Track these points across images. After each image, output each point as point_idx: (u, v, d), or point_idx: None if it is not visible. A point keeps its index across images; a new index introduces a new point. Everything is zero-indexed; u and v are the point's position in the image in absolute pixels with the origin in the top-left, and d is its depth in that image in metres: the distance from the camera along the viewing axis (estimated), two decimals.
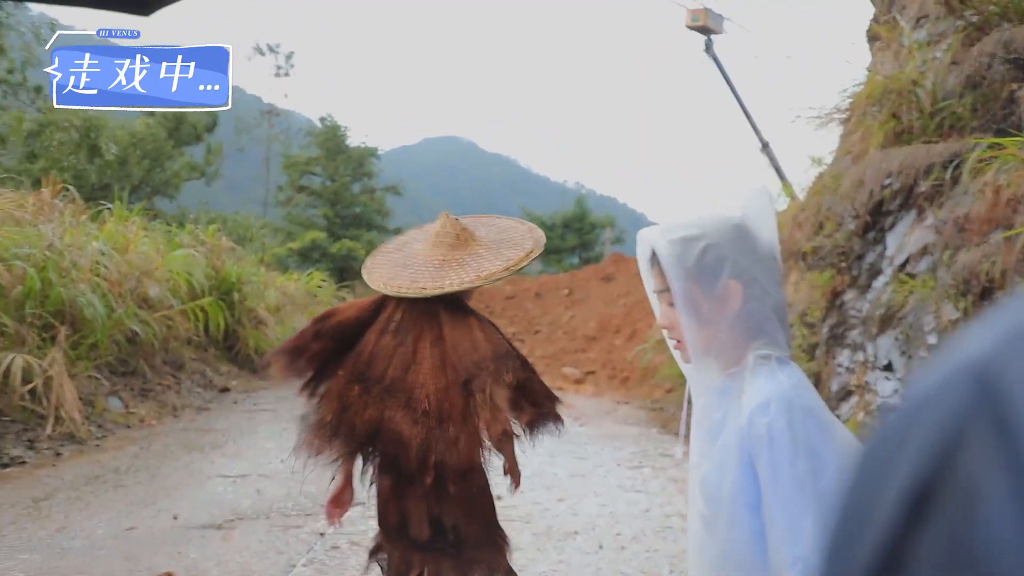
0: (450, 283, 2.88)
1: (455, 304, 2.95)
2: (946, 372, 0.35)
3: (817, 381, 8.14)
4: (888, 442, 0.37)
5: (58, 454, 7.53)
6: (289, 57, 30.25)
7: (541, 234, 3.16)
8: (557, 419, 3.05)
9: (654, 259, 1.76)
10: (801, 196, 12.96)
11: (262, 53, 29.85)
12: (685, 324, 1.67)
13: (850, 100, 8.04)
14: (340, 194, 33.10)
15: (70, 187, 11.63)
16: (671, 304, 1.71)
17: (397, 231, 33.88)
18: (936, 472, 0.33)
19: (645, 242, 1.78)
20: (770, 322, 1.69)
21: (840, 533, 0.37)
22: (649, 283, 1.81)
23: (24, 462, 7.15)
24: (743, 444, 1.57)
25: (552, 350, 19.19)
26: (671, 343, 1.82)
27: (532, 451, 8.63)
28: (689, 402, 1.87)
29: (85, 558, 4.90)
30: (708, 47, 19.97)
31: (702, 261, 1.66)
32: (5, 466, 6.98)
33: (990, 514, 0.30)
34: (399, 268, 3.01)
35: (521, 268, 2.97)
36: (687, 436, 1.95)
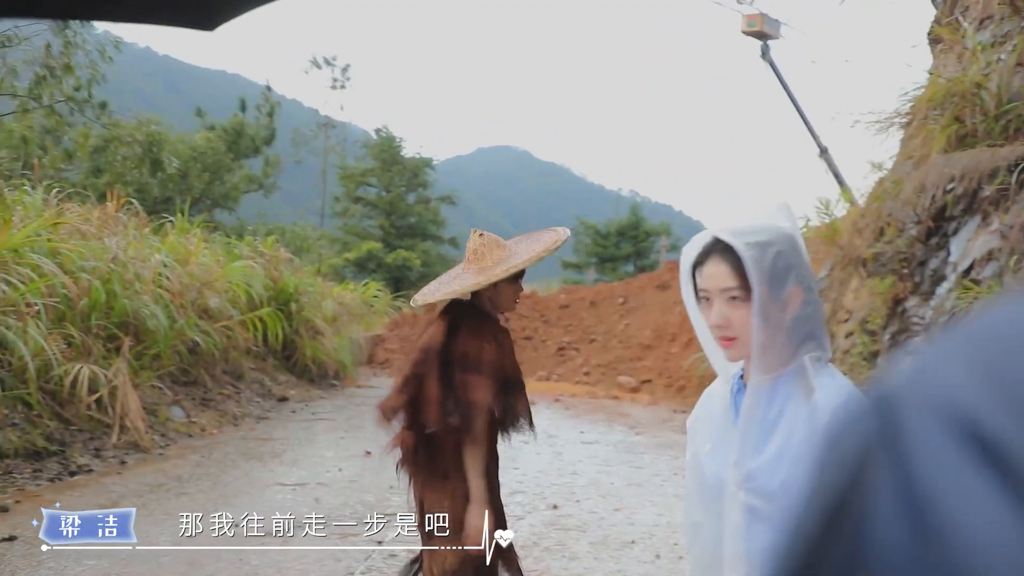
0: (423, 295, 3.30)
1: (473, 311, 3.24)
2: (870, 399, 0.42)
3: None
4: (822, 461, 0.43)
5: (123, 462, 7.70)
6: (345, 69, 30.68)
7: (551, 242, 3.29)
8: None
9: (722, 259, 1.80)
10: (860, 202, 12.74)
11: (319, 66, 30.31)
12: (755, 324, 1.73)
13: (911, 104, 7.88)
14: (395, 204, 33.43)
15: (133, 201, 11.93)
16: (731, 300, 1.77)
17: (452, 241, 34.14)
18: (848, 489, 0.39)
19: (710, 242, 1.84)
20: (820, 327, 1.81)
21: (785, 541, 0.42)
22: (717, 281, 1.80)
23: (91, 470, 7.33)
24: (815, 438, 1.64)
25: (607, 359, 19.10)
26: (711, 341, 1.87)
27: (589, 460, 8.65)
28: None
29: (149, 564, 5.00)
30: (764, 52, 19.78)
31: (775, 266, 1.74)
32: (73, 474, 7.16)
33: (879, 526, 0.36)
34: (432, 283, 3.43)
35: (502, 278, 3.12)
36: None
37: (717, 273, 1.80)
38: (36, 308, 7.71)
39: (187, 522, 5.91)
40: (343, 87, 30.17)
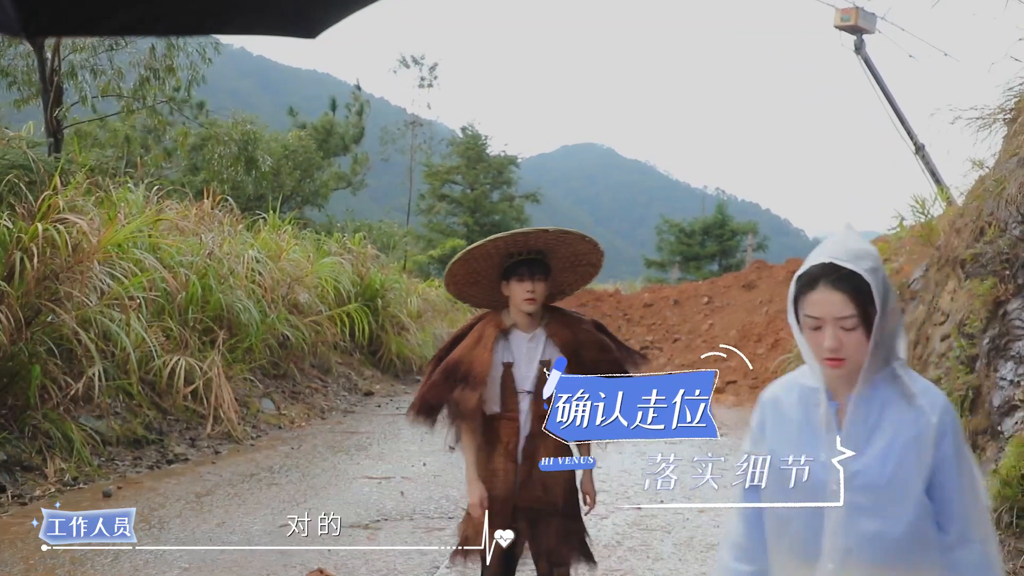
0: None
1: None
2: None
3: (977, 394, 7.71)
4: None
5: (217, 452, 7.95)
6: (433, 68, 30.96)
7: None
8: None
9: (845, 285, 1.97)
10: (958, 201, 12.31)
11: (407, 65, 30.66)
12: (871, 348, 1.97)
13: (1016, 99, 7.58)
14: (480, 202, 33.64)
15: (229, 198, 12.28)
16: (849, 330, 1.97)
17: None
18: None
19: (840, 266, 1.99)
20: (902, 335, 2.07)
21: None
22: (832, 308, 1.97)
23: (187, 459, 7.59)
24: (925, 439, 1.97)
25: (691, 358, 18.89)
26: (817, 359, 2.04)
27: (673, 459, 8.40)
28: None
29: (243, 553, 5.15)
30: (859, 47, 19.30)
31: (886, 287, 1.99)
32: (171, 462, 7.43)
33: None
34: None
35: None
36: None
37: (832, 301, 1.97)
38: (138, 302, 8.01)
39: (278, 512, 6.09)
40: (430, 86, 30.44)
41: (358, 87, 28.57)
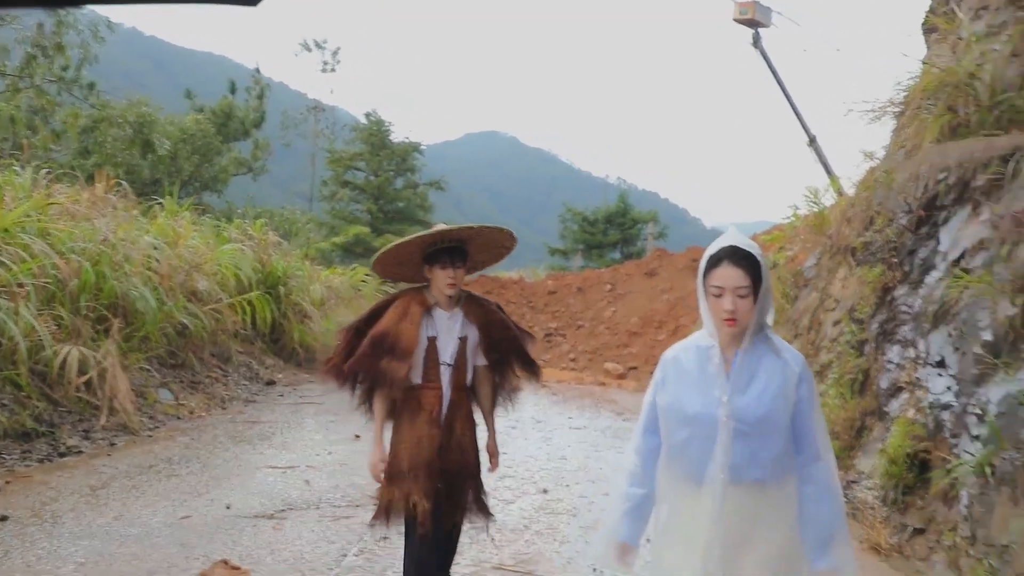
0: None
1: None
2: None
3: (866, 377, 8.04)
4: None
5: (112, 444, 7.69)
6: (335, 53, 30.48)
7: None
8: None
9: (743, 263, 2.63)
10: (849, 191, 12.77)
11: (309, 49, 30.10)
12: (756, 311, 2.65)
13: (905, 93, 7.91)
14: (383, 189, 33.29)
15: (123, 182, 11.85)
16: (742, 297, 2.61)
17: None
18: None
19: (740, 248, 2.66)
20: (771, 311, 2.79)
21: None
22: (732, 280, 2.62)
23: (81, 451, 7.31)
24: (789, 383, 2.64)
25: (594, 345, 19.16)
26: (716, 323, 2.68)
27: (577, 445, 8.72)
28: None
29: (142, 545, 5.00)
30: (756, 40, 19.81)
31: (767, 270, 2.70)
32: (63, 455, 7.14)
33: None
34: None
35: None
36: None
37: (733, 275, 2.62)
38: (26, 289, 7.67)
39: (179, 503, 5.94)
40: (333, 70, 29.98)
41: (258, 70, 27.92)
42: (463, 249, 3.75)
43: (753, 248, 2.66)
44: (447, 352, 3.71)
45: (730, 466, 2.61)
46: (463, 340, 3.75)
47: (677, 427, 2.71)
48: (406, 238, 3.74)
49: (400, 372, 3.61)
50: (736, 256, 2.63)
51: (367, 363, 3.64)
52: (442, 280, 3.68)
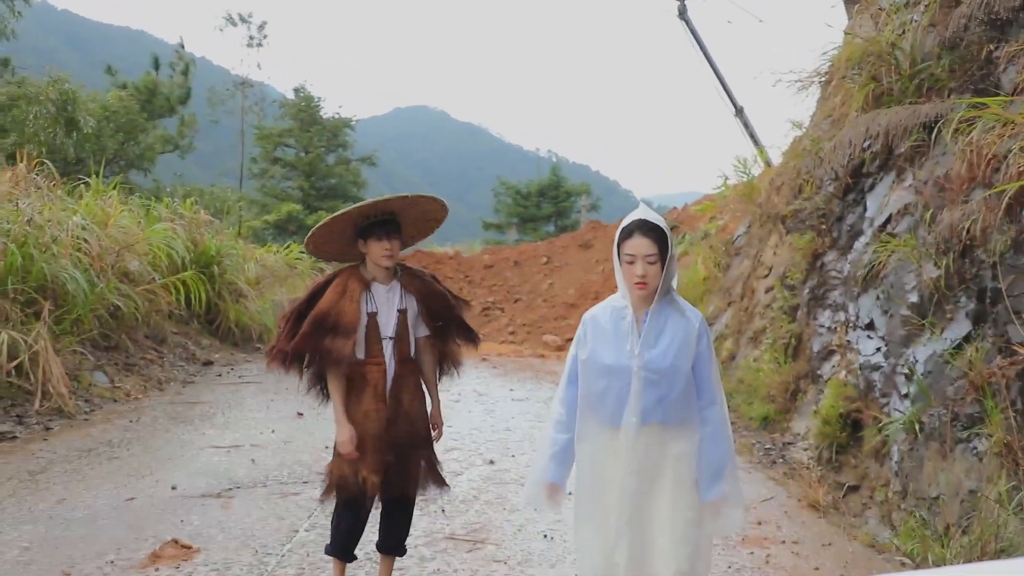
0: None
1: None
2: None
3: (798, 342, 8.29)
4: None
5: (48, 428, 7.54)
6: (262, 27, 29.86)
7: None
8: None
9: (651, 234, 3.00)
10: (777, 161, 13.05)
11: (234, 23, 29.43)
12: (664, 276, 3.02)
13: (829, 64, 8.11)
14: (315, 165, 32.90)
15: (46, 161, 11.51)
16: (651, 263, 2.98)
17: None
18: None
19: (648, 221, 3.03)
20: (676, 276, 3.17)
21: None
22: (642, 248, 2.99)
23: (15, 437, 7.15)
24: (691, 338, 3.04)
25: (532, 317, 19.31)
26: (628, 286, 3.04)
27: (521, 417, 8.85)
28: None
29: (89, 528, 4.95)
30: (682, 12, 19.98)
31: (672, 241, 3.06)
32: None
33: None
34: None
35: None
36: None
37: (643, 244, 2.99)
38: None
39: (122, 486, 5.87)
40: (260, 45, 29.37)
41: (181, 45, 27.22)
42: (396, 222, 3.80)
43: (660, 221, 3.05)
44: (388, 326, 3.76)
45: (641, 410, 3.01)
46: (403, 312, 3.80)
47: (595, 378, 3.09)
48: (340, 211, 3.75)
49: (345, 350, 3.64)
50: (645, 228, 3.02)
51: (310, 343, 3.66)
52: (378, 252, 3.73)
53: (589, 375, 3.10)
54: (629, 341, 3.03)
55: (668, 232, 3.06)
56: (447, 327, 3.96)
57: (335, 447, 3.75)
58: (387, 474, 3.72)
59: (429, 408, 3.95)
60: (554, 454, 3.19)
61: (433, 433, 3.95)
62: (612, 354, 3.04)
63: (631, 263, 3.00)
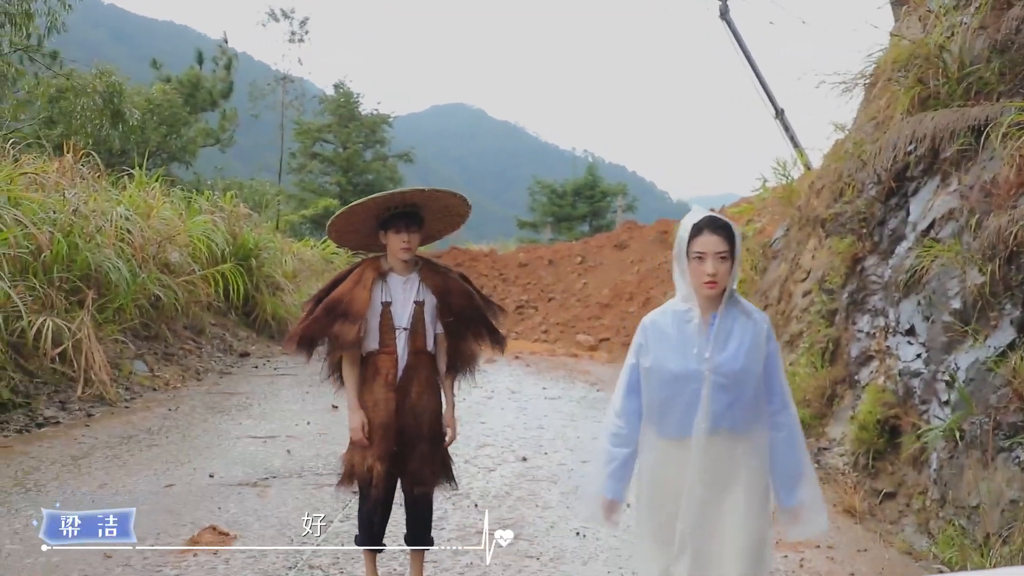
0: None
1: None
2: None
3: (836, 346, 8.20)
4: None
5: (89, 415, 7.67)
6: (304, 23, 30.09)
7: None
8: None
9: (721, 231, 2.90)
10: (817, 164, 12.91)
11: (276, 19, 29.69)
12: (734, 275, 2.91)
13: (875, 65, 8.02)
14: (352, 161, 33.10)
15: (92, 153, 11.70)
16: (722, 260, 2.87)
17: None
18: None
19: (718, 218, 2.95)
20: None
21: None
22: (714, 245, 2.88)
23: (58, 422, 7.29)
24: (761, 342, 2.94)
25: (566, 317, 19.28)
26: (696, 286, 2.91)
27: (554, 415, 8.83)
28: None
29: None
30: (724, 12, 19.81)
31: (740, 239, 2.96)
32: (40, 426, 7.12)
33: None
34: None
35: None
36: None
37: (714, 241, 2.88)
38: None
39: (162, 473, 5.96)
40: (301, 40, 29.60)
41: (225, 40, 27.53)
42: (418, 215, 3.83)
43: (728, 219, 2.97)
44: (403, 317, 3.80)
45: (711, 416, 2.88)
46: (419, 305, 3.83)
47: (660, 386, 2.95)
48: (358, 201, 3.80)
49: (349, 335, 3.70)
50: (715, 225, 2.92)
51: (320, 327, 3.76)
52: (396, 244, 3.78)
53: (652, 384, 2.97)
54: (697, 345, 2.91)
55: (736, 230, 2.96)
56: (463, 326, 3.96)
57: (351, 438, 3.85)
58: (394, 464, 3.78)
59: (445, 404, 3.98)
60: (613, 470, 3.06)
61: (445, 432, 3.96)
62: (679, 360, 2.91)
63: (701, 260, 2.89)
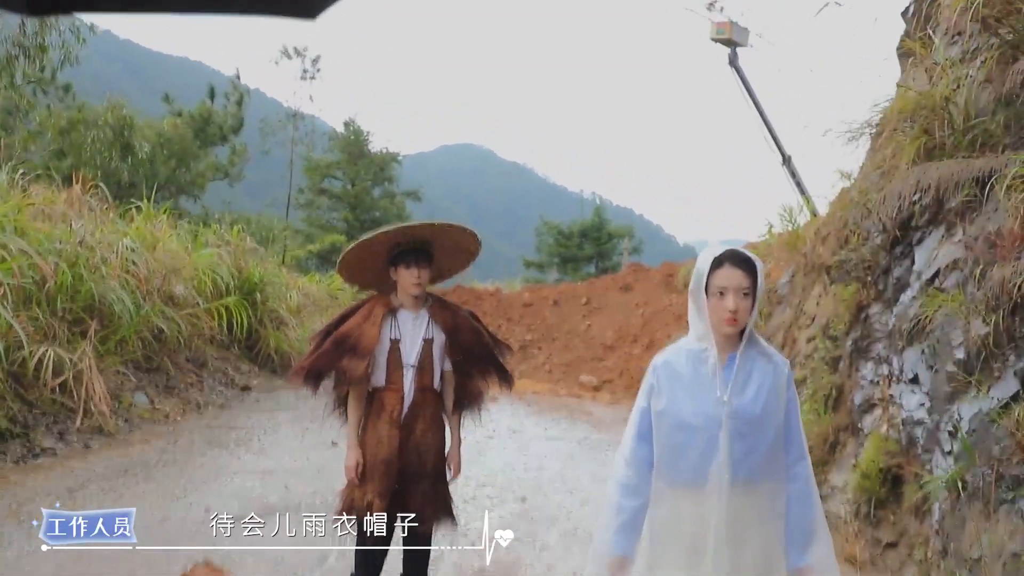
0: None
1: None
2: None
3: (839, 394, 8.16)
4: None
5: (87, 446, 7.65)
6: (316, 61, 30.42)
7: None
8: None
9: (744, 266, 2.71)
10: (823, 211, 12.96)
11: (289, 56, 30.03)
12: (754, 312, 2.72)
13: (881, 115, 8.06)
14: (360, 198, 33.27)
15: (100, 184, 11.78)
16: (743, 295, 2.68)
17: None
18: None
19: (740, 252, 2.78)
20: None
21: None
22: (736, 280, 2.69)
23: (55, 453, 7.26)
24: (780, 384, 2.74)
25: (569, 358, 19.23)
26: (715, 323, 2.72)
27: (554, 456, 8.76)
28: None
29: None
30: (732, 60, 20.04)
31: (763, 275, 2.75)
32: (37, 456, 7.10)
33: None
34: None
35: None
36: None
37: (736, 275, 2.69)
38: (2, 289, 7.61)
39: (157, 507, 5.92)
40: (313, 78, 29.92)
41: (237, 76, 27.81)
42: (428, 251, 3.83)
43: (751, 254, 2.78)
44: (411, 354, 3.79)
45: (731, 465, 2.67)
46: (428, 342, 3.82)
47: (673, 431, 2.75)
48: (368, 235, 3.81)
49: (357, 370, 3.68)
50: (737, 259, 2.73)
51: (328, 361, 3.74)
52: (406, 280, 3.77)
53: (664, 429, 2.76)
54: (715, 387, 2.70)
55: (759, 265, 2.76)
56: (471, 363, 3.94)
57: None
58: (394, 501, 3.75)
59: (449, 443, 3.96)
60: (622, 524, 2.81)
61: (448, 471, 3.94)
62: (693, 403, 2.71)
63: (722, 296, 2.68)
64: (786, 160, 20.19)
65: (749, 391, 2.71)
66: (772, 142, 20.53)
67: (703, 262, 2.76)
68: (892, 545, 5.86)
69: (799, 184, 19.58)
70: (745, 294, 2.69)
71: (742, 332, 2.74)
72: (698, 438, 2.70)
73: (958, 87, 6.71)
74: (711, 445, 2.69)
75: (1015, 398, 4.91)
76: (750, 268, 2.71)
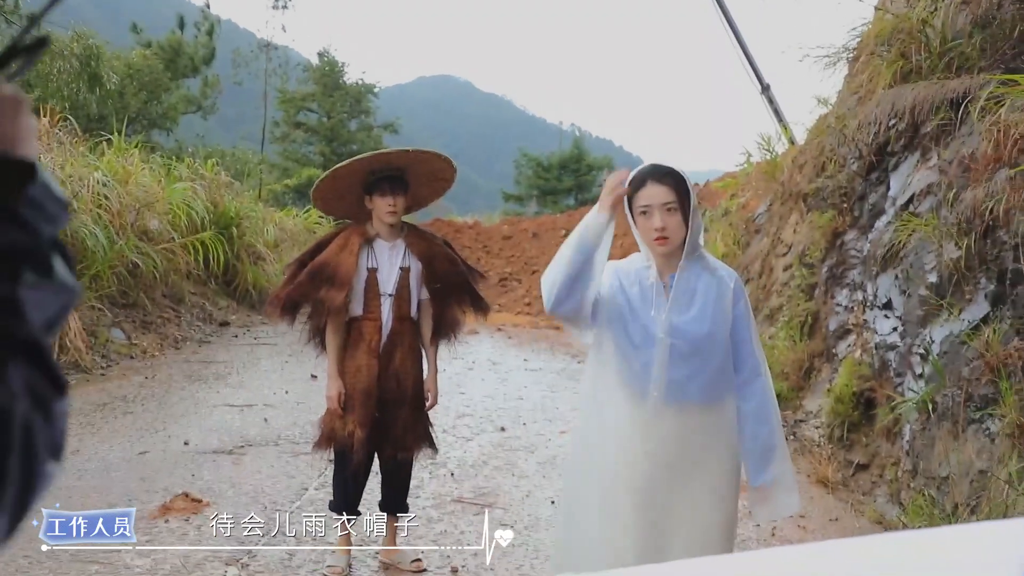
0: None
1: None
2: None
3: (815, 320, 8.24)
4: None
5: None
6: None
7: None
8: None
9: (668, 179, 2.58)
10: (801, 139, 12.91)
11: None
12: (694, 228, 2.61)
13: (858, 40, 7.99)
14: (336, 131, 32.84)
15: (69, 117, 11.54)
16: (668, 211, 2.56)
17: None
18: None
19: (662, 166, 2.64)
20: (702, 233, 2.74)
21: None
22: (659, 196, 2.57)
23: None
24: (726, 300, 2.62)
25: None
26: (648, 244, 2.64)
27: (533, 386, 8.85)
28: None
29: (101, 479, 5.01)
30: None
31: (692, 186, 2.66)
32: None
33: None
34: None
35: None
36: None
37: (658, 191, 2.57)
38: None
39: (136, 440, 5.93)
40: (285, 7, 29.18)
41: (207, 5, 27.13)
42: (403, 179, 3.81)
43: (675, 166, 2.64)
44: (388, 283, 3.79)
45: (666, 385, 2.57)
46: (405, 271, 3.82)
47: (619, 344, 2.66)
48: (342, 163, 3.77)
49: (336, 301, 3.68)
50: (659, 173, 2.60)
51: (305, 292, 3.73)
52: (382, 208, 3.76)
53: (611, 340, 2.67)
54: (654, 306, 2.60)
55: (687, 178, 2.60)
56: (448, 292, 3.95)
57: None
58: (375, 430, 3.77)
59: (426, 371, 3.97)
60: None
61: (427, 398, 3.96)
62: (635, 320, 2.62)
63: (646, 215, 2.56)
64: (765, 88, 19.98)
65: (693, 310, 2.61)
66: (750, 70, 20.31)
67: (626, 183, 2.62)
68: (864, 467, 5.97)
69: (777, 112, 19.40)
70: (671, 209, 2.56)
71: (684, 249, 2.62)
72: (638, 356, 2.61)
73: (935, 9, 6.65)
74: (648, 364, 2.59)
75: (985, 320, 4.97)
76: (675, 181, 2.58)
